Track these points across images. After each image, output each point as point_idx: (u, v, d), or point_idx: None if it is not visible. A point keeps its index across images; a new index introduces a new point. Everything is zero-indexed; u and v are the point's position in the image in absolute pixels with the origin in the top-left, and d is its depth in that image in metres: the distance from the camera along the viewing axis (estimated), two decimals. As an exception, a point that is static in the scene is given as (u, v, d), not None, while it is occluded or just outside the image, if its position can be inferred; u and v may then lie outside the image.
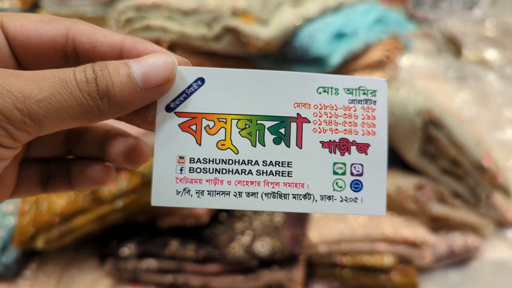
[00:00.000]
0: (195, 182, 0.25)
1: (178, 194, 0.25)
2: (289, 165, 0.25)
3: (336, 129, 0.25)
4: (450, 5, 1.25)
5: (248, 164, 0.25)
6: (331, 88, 0.25)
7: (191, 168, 0.25)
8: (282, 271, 0.59)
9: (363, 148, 0.25)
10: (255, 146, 0.25)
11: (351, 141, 0.25)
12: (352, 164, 0.25)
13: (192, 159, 0.25)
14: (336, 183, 0.25)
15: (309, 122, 0.25)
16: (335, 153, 0.25)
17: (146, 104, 0.24)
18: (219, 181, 0.25)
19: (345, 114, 0.25)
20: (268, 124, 0.25)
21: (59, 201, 0.58)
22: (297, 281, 0.60)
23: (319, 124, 0.25)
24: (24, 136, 0.21)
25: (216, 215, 0.65)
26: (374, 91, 0.25)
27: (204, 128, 0.25)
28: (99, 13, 1.00)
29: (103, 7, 1.00)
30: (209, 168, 0.25)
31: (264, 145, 0.25)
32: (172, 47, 0.70)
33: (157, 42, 0.70)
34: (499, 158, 0.75)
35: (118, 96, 0.22)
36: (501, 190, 0.71)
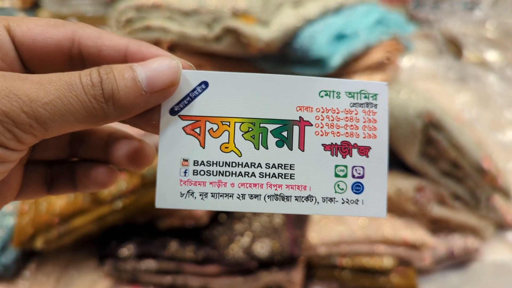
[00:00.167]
0: (199, 184, 0.25)
1: (182, 196, 0.25)
2: (292, 168, 0.25)
3: (338, 132, 0.26)
4: (451, 6, 1.25)
5: (251, 167, 0.25)
6: (333, 91, 0.26)
7: (195, 171, 0.25)
8: (281, 272, 0.59)
9: (364, 150, 0.26)
10: (258, 149, 0.25)
11: (352, 144, 0.26)
12: (353, 167, 0.26)
13: (196, 161, 0.25)
14: (338, 185, 0.26)
15: (311, 125, 0.26)
16: (336, 155, 0.26)
17: (150, 107, 0.24)
18: (223, 183, 0.25)
19: (346, 118, 0.26)
20: (271, 127, 0.25)
21: (59, 201, 0.58)
22: (296, 283, 0.60)
23: (321, 127, 0.26)
24: (30, 139, 0.21)
25: (216, 216, 0.65)
26: (375, 94, 0.26)
27: (208, 131, 0.25)
28: (99, 13, 1.00)
29: (104, 6, 1.00)
30: (213, 171, 0.25)
31: (267, 148, 0.25)
32: (172, 47, 0.70)
33: (158, 42, 0.70)
34: (499, 160, 0.75)
35: (123, 100, 0.22)
36: (501, 192, 0.71)
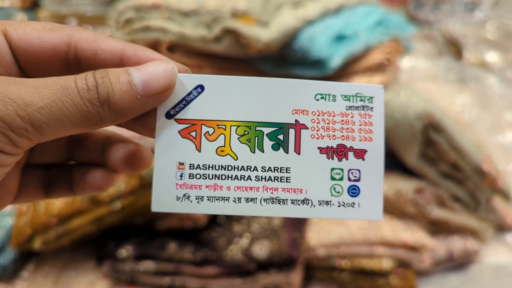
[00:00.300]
0: (195, 188, 0.25)
1: (178, 200, 0.25)
2: (288, 171, 0.25)
3: (334, 135, 0.26)
4: (451, 7, 1.25)
5: (247, 170, 0.25)
6: (329, 95, 0.26)
7: (191, 174, 0.25)
8: (280, 274, 0.59)
9: (360, 154, 0.26)
10: (254, 152, 0.25)
11: (348, 147, 0.26)
12: (349, 170, 0.26)
13: (192, 165, 0.25)
14: (334, 188, 0.26)
15: (307, 128, 0.26)
16: (332, 159, 0.26)
17: (146, 111, 0.24)
18: (219, 187, 0.25)
19: (342, 121, 0.26)
20: (266, 130, 0.25)
21: (57, 202, 0.58)
22: (295, 285, 0.59)
23: (317, 131, 0.26)
24: (25, 143, 0.21)
25: (214, 218, 0.64)
26: (371, 97, 0.26)
27: (204, 134, 0.25)
28: (99, 12, 1.00)
29: (103, 6, 1.00)
30: (209, 174, 0.25)
31: (263, 151, 0.25)
32: (172, 48, 0.69)
33: (157, 43, 0.69)
34: (499, 162, 0.75)
35: (119, 103, 0.22)
36: (501, 194, 0.71)
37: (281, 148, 0.25)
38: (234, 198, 0.25)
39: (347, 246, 0.62)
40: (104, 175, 0.28)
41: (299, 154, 0.25)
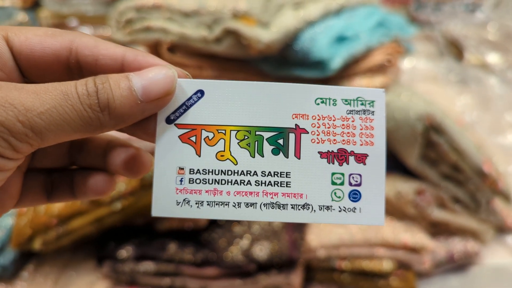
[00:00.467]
0: (194, 192, 0.25)
1: (178, 205, 0.25)
2: (288, 176, 0.25)
3: (334, 140, 0.25)
4: (452, 8, 1.25)
5: (247, 175, 0.25)
6: (329, 99, 0.26)
7: (191, 179, 0.25)
8: (280, 275, 0.59)
9: (361, 158, 0.26)
10: (253, 157, 0.25)
11: (349, 151, 0.26)
12: (350, 174, 0.25)
13: (191, 170, 0.25)
14: (335, 193, 0.25)
15: (307, 133, 0.25)
16: (333, 163, 0.25)
17: (146, 116, 0.24)
18: (218, 191, 0.25)
19: (343, 125, 0.26)
20: (266, 135, 0.25)
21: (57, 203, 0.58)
22: (295, 286, 0.59)
23: (317, 135, 0.25)
24: (26, 148, 0.21)
25: (215, 219, 0.64)
26: (372, 101, 0.26)
27: (204, 139, 0.25)
28: (100, 12, 1.00)
29: (104, 6, 1.00)
30: (209, 179, 0.25)
31: (262, 156, 0.25)
32: (172, 48, 0.69)
33: (157, 43, 0.69)
34: (500, 163, 0.75)
35: (119, 109, 0.22)
36: (502, 196, 0.71)
37: (281, 152, 0.25)
38: (234, 203, 0.25)
39: (347, 248, 0.62)
40: (105, 179, 0.28)
41: (299, 158, 0.25)
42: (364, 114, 0.26)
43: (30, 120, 0.20)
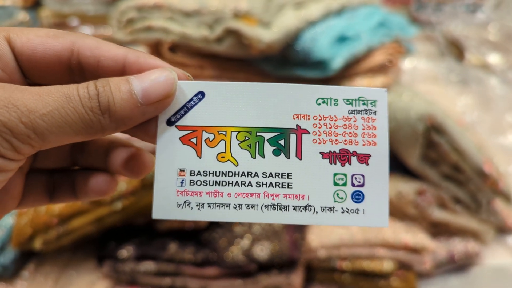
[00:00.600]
0: (195, 194, 0.25)
1: (179, 207, 0.25)
2: (289, 177, 0.25)
3: (336, 140, 0.25)
4: (453, 9, 1.25)
5: (248, 176, 0.25)
6: (330, 99, 0.25)
7: (192, 181, 0.25)
8: (281, 275, 0.59)
9: (364, 158, 0.25)
10: (254, 158, 0.25)
11: (351, 151, 0.25)
12: (353, 175, 0.25)
13: (192, 171, 0.25)
14: (337, 194, 0.25)
15: (309, 133, 0.25)
16: (335, 164, 0.25)
17: (147, 119, 0.24)
18: (219, 193, 0.25)
19: (345, 125, 0.25)
20: (267, 135, 0.25)
21: (58, 202, 0.58)
22: (295, 286, 0.59)
23: (319, 135, 0.25)
24: (27, 149, 0.21)
25: (215, 218, 0.64)
26: (374, 101, 0.25)
27: (204, 141, 0.25)
28: (101, 12, 1.00)
29: (105, 5, 1.00)
30: (209, 181, 0.25)
31: (263, 157, 0.25)
32: (174, 48, 0.69)
33: (159, 43, 0.69)
34: (501, 164, 0.75)
35: (119, 112, 0.22)
36: (502, 196, 0.71)
37: (282, 153, 0.25)
38: (234, 204, 0.25)
39: (348, 248, 0.62)
40: (106, 180, 0.28)
41: (300, 159, 0.25)
42: (366, 114, 0.25)
43: (33, 121, 0.20)
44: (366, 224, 0.25)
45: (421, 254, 0.63)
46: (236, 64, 0.69)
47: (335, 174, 0.25)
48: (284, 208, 0.25)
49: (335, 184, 0.25)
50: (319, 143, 0.25)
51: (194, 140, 0.25)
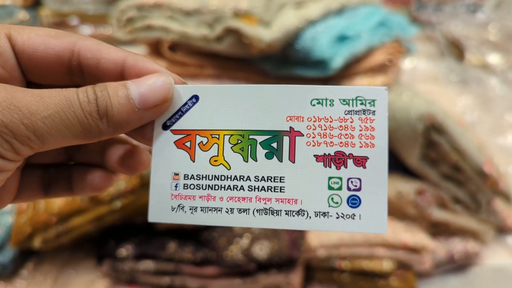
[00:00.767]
0: (189, 198, 0.25)
1: (173, 211, 0.25)
2: (282, 180, 0.24)
3: (331, 142, 0.24)
4: (453, 9, 1.25)
5: (240, 180, 0.25)
6: (326, 99, 0.24)
7: (185, 185, 0.25)
8: (280, 275, 0.59)
9: (360, 161, 0.24)
10: (247, 162, 0.25)
11: (347, 154, 0.24)
12: (348, 179, 0.24)
13: (186, 175, 0.25)
14: (332, 198, 0.24)
15: (302, 135, 0.24)
16: (330, 167, 0.24)
17: (144, 123, 0.24)
18: (212, 197, 0.25)
19: (340, 126, 0.24)
20: (260, 138, 0.25)
21: (57, 201, 0.58)
22: (295, 285, 0.59)
23: (313, 137, 0.24)
24: (26, 151, 0.21)
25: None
26: (373, 100, 0.24)
27: (198, 144, 0.25)
28: (100, 11, 1.00)
29: (105, 5, 1.00)
30: (202, 185, 0.25)
31: (256, 160, 0.25)
32: (174, 47, 0.69)
33: (159, 42, 0.69)
34: (501, 164, 0.75)
35: (117, 117, 0.22)
36: (502, 196, 0.71)
37: (274, 156, 0.24)
38: (226, 208, 0.24)
39: (347, 247, 0.62)
40: (103, 176, 0.28)
41: (293, 162, 0.24)
42: (364, 114, 0.24)
43: (34, 123, 0.20)
44: (363, 230, 0.24)
45: (420, 254, 0.63)
46: (236, 64, 0.69)
47: (329, 178, 0.24)
48: (276, 212, 0.24)
49: (330, 188, 0.24)
50: (313, 145, 0.24)
51: (188, 144, 0.25)
